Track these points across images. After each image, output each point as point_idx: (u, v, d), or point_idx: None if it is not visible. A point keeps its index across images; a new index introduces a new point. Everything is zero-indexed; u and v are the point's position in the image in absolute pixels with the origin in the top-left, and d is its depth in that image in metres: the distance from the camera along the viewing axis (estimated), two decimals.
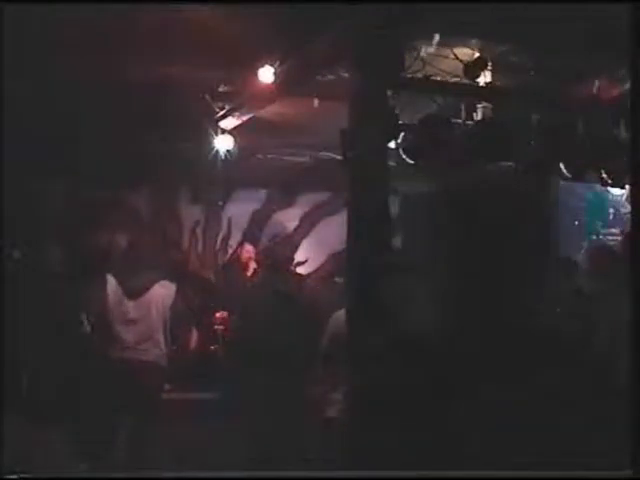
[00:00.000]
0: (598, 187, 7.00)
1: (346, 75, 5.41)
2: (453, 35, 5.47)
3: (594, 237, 7.61)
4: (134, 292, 5.79)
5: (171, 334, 5.95)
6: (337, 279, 6.64)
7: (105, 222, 8.74)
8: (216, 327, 7.42)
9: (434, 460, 1.55)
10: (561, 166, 6.21)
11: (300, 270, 9.07)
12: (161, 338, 5.87)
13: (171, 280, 6.06)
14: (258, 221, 10.22)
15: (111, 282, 5.77)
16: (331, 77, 5.87)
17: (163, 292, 5.91)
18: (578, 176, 6.48)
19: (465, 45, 5.61)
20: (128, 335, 5.74)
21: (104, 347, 5.74)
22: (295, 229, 10.40)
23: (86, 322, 5.87)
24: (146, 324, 5.80)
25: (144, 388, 5.66)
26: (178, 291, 6.05)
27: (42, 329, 5.56)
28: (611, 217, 7.88)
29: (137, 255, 6.08)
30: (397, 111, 5.38)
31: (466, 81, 5.59)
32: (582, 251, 6.51)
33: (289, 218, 10.40)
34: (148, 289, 5.84)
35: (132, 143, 7.51)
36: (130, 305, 5.78)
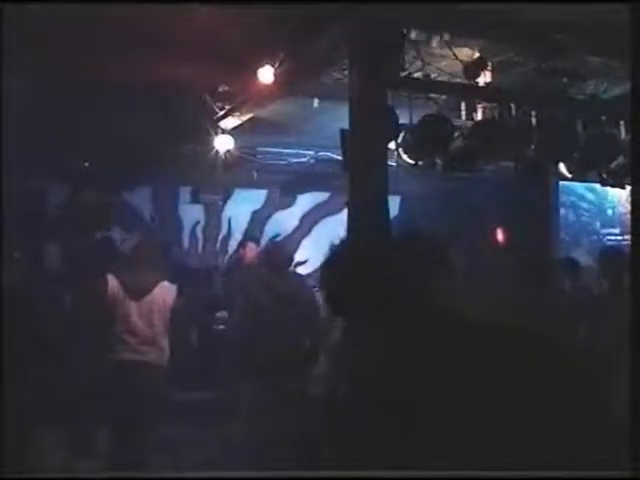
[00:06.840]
0: (598, 187, 7.01)
1: (345, 75, 5.40)
2: (453, 35, 5.46)
3: (594, 237, 7.63)
4: (136, 293, 5.75)
5: (172, 335, 5.91)
6: None
7: (105, 222, 8.74)
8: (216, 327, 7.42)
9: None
10: (561, 166, 6.22)
11: (300, 270, 9.06)
12: (163, 340, 5.83)
13: (172, 281, 6.03)
14: (258, 221, 10.23)
15: (113, 283, 5.72)
16: (331, 77, 5.87)
17: (165, 293, 5.88)
18: (578, 176, 6.49)
19: (465, 45, 5.61)
20: (130, 337, 5.70)
21: (106, 349, 5.72)
22: (295, 229, 10.41)
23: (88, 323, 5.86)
24: (148, 326, 5.75)
25: (145, 389, 5.62)
26: (179, 292, 6.02)
27: (42, 330, 5.55)
28: (611, 217, 7.90)
29: (138, 256, 6.01)
30: (397, 111, 5.38)
31: (466, 81, 5.59)
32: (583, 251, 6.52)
33: (289, 218, 10.41)
34: (150, 290, 5.80)
35: (132, 143, 7.51)
36: (132, 306, 5.74)
